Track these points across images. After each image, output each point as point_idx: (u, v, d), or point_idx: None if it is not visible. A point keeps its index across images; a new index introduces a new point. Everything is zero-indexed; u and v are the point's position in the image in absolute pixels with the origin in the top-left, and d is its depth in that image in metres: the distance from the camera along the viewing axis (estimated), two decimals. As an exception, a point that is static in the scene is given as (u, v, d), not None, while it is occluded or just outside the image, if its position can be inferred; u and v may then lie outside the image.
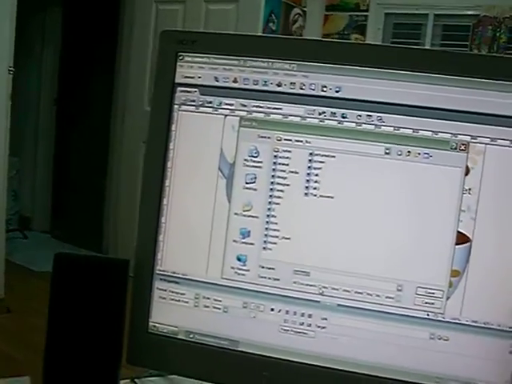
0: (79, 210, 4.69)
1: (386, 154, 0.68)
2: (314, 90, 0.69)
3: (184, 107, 0.73)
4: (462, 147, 0.67)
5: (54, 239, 4.75)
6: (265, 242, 0.70)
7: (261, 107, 0.70)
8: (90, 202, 4.64)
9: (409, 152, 0.67)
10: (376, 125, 0.68)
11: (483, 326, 0.67)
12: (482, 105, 0.66)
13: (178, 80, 0.73)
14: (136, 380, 0.90)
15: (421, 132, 0.67)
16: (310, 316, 0.70)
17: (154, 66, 3.78)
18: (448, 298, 0.67)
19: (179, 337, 0.74)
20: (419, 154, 0.67)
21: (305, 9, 3.95)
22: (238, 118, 0.71)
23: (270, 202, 0.70)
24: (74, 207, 4.77)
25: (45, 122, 5.10)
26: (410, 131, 0.67)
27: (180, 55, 0.73)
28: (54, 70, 5.06)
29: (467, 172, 0.66)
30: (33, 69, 4.96)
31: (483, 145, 0.66)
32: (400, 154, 0.68)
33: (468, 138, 0.66)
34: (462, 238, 0.67)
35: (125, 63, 4.14)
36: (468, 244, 0.67)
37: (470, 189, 0.66)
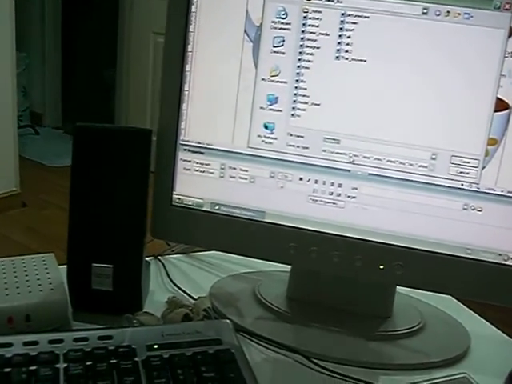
0: (90, 103, 4.66)
1: (424, 14, 0.63)
2: None
3: (206, -34, 0.68)
4: (507, 6, 0.62)
5: (65, 134, 4.75)
6: (293, 108, 0.67)
7: (289, -36, 0.65)
8: (101, 95, 4.61)
9: (448, 12, 0.63)
10: (413, -18, 0.63)
11: (518, 196, 0.65)
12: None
13: None
14: (159, 257, 0.90)
15: (462, -10, 0.63)
16: (339, 185, 0.68)
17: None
18: (483, 168, 0.65)
19: (204, 209, 0.72)
20: (459, 14, 0.63)
21: None
22: (265, -24, 0.66)
23: (298, 67, 0.66)
24: (85, 101, 4.74)
25: (50, 15, 4.98)
26: (451, -11, 0.63)
27: None
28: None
29: (511, 34, 0.62)
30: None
31: (529, 3, 0.62)
32: (438, 15, 0.63)
33: (513, -4, 0.62)
34: (501, 105, 0.63)
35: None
36: (507, 111, 0.63)
37: (512, 52, 0.62)
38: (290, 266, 0.77)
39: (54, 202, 3.43)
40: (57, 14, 5.00)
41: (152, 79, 3.91)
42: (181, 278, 0.84)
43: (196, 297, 0.76)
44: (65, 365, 0.56)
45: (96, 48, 4.77)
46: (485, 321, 0.81)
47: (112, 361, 0.56)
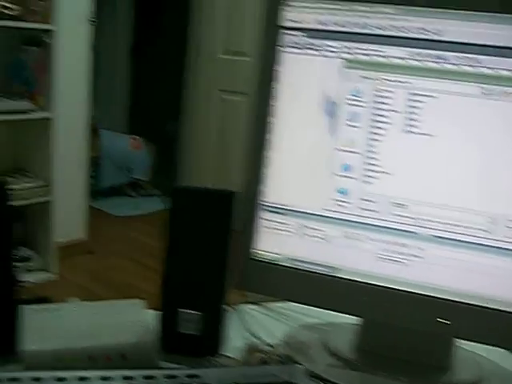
0: (155, 155, 4.81)
1: (483, 94, 0.71)
2: (414, 33, 0.72)
3: (289, 49, 0.77)
4: (558, 87, 0.69)
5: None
6: (366, 176, 0.75)
7: (363, 49, 0.74)
8: (166, 149, 4.75)
9: (505, 92, 0.70)
10: (473, 66, 0.71)
11: None
12: None
13: (283, 24, 0.77)
14: (234, 307, 0.97)
15: (517, 73, 0.70)
16: (406, 246, 0.75)
17: (226, 12, 3.79)
18: (540, 232, 0.71)
19: (281, 263, 0.80)
20: (514, 93, 0.70)
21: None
22: (342, 59, 0.75)
23: (371, 139, 0.75)
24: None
25: (120, 68, 5.21)
26: (508, 72, 0.70)
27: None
28: (129, 19, 5.14)
29: (562, 111, 0.69)
30: (108, 18, 5.05)
31: None
32: (496, 95, 0.70)
33: None
34: (554, 175, 0.70)
35: (198, 12, 4.17)
36: (560, 180, 0.70)
37: None
38: (356, 318, 0.84)
39: (119, 251, 3.55)
40: (127, 66, 5.22)
41: (217, 135, 4.02)
42: (256, 326, 0.91)
43: (271, 344, 0.82)
44: (157, 398, 0.63)
45: (160, 100, 4.95)
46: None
47: (198, 396, 0.64)
